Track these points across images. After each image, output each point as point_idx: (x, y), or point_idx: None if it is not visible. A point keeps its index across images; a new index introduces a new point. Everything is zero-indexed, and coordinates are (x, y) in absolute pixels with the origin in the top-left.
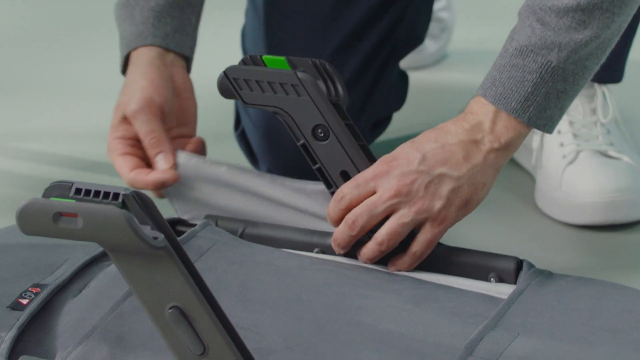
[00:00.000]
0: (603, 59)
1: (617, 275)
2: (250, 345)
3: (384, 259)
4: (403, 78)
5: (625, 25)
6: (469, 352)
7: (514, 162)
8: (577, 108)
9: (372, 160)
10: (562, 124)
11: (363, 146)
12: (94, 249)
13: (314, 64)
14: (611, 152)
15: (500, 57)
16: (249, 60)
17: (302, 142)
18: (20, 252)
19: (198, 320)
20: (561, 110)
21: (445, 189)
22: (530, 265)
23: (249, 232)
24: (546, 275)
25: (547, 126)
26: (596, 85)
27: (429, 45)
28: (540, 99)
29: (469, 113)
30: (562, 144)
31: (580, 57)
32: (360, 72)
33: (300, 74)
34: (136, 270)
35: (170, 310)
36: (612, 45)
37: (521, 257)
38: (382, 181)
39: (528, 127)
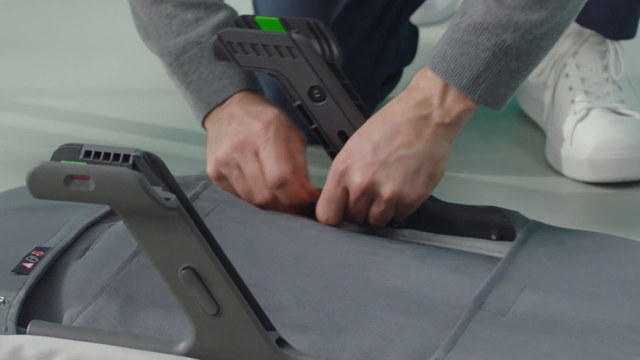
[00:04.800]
0: (558, 39)
1: (627, 231)
2: (260, 302)
3: None
4: (413, 32)
5: (581, 5)
6: (479, 306)
7: (525, 118)
8: (589, 65)
9: (368, 119)
10: (574, 81)
11: (359, 105)
12: (94, 211)
13: (308, 24)
14: (622, 110)
15: (452, 31)
16: (242, 21)
17: (298, 103)
18: (18, 216)
19: (212, 281)
20: (513, 89)
21: (407, 170)
22: (527, 220)
23: None
24: (546, 228)
25: (498, 104)
26: (608, 41)
27: (440, 1)
28: (492, 78)
29: (413, 89)
30: (573, 101)
31: (535, 37)
32: (372, 29)
33: (294, 36)
34: (148, 231)
35: (183, 271)
36: (569, 25)
37: (531, 213)
38: (347, 179)
39: (477, 103)
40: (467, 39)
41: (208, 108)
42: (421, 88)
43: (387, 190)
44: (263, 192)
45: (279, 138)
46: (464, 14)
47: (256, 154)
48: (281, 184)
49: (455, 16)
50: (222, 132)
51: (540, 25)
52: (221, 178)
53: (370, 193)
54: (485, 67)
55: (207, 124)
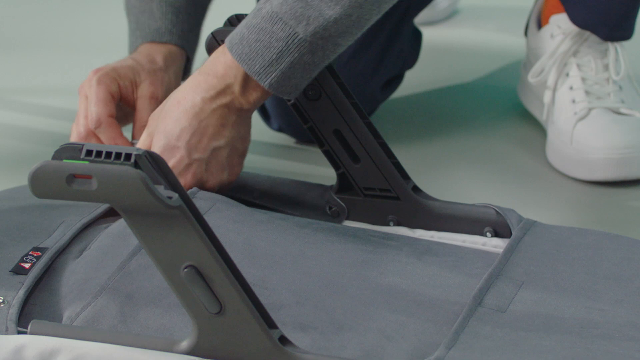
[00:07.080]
0: (359, 35)
1: (626, 231)
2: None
3: None
4: (416, 36)
5: (385, 5)
6: (478, 303)
7: (525, 117)
8: (590, 64)
9: (363, 118)
10: (574, 81)
11: (354, 104)
12: (89, 211)
13: None
14: (623, 109)
15: (253, 16)
16: (235, 21)
17: (292, 101)
18: (14, 216)
19: (214, 279)
20: (308, 80)
21: (222, 159)
22: (522, 218)
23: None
24: (540, 225)
25: (291, 93)
26: (608, 42)
27: (440, 1)
28: (284, 68)
29: (211, 76)
30: (574, 101)
31: (330, 34)
32: (375, 31)
33: None
34: (151, 230)
35: (185, 270)
36: (370, 22)
37: (531, 212)
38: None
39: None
40: (263, 26)
41: None
42: (220, 76)
43: (211, 184)
44: (79, 131)
45: (102, 82)
46: (267, 1)
47: (86, 98)
48: (98, 126)
49: (260, 1)
50: None
51: (334, 23)
52: None
53: (194, 182)
54: (277, 57)
55: None
